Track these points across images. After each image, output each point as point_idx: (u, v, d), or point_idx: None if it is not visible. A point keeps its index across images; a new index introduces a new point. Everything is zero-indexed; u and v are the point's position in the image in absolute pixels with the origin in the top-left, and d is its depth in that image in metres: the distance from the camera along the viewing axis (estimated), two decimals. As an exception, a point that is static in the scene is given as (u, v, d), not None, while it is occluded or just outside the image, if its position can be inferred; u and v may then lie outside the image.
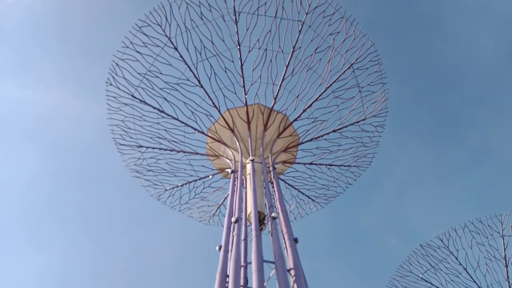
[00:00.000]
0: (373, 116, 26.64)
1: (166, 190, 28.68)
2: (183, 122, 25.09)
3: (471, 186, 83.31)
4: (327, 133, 26.58)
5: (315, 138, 26.59)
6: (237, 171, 22.63)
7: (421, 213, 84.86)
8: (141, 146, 26.37)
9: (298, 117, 25.56)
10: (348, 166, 28.77)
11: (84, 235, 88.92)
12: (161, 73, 23.88)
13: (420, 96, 78.59)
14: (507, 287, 31.51)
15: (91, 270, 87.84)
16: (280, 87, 24.46)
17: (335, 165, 28.47)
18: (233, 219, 17.72)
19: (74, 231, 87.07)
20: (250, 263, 15.38)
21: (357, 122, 26.55)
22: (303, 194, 30.10)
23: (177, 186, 28.48)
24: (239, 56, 23.58)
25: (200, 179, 27.82)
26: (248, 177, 22.22)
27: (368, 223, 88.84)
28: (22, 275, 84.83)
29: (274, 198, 21.07)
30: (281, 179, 27.54)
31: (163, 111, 24.91)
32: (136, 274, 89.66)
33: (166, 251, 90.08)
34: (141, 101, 24.68)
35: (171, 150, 26.41)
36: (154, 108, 24.90)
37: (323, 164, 28.25)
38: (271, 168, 23.52)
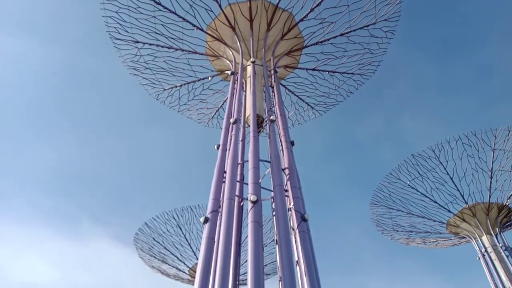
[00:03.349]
0: (384, 20, 24.89)
1: (164, 89, 28.27)
2: (180, 17, 23.43)
3: (472, 103, 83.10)
4: (334, 37, 25.14)
5: (321, 42, 25.24)
6: (237, 73, 21.98)
7: (418, 128, 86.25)
8: (137, 42, 25.09)
9: (305, 17, 23.83)
10: (352, 73, 27.96)
11: (86, 135, 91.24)
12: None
13: (433, 6, 73.22)
14: (488, 196, 33.59)
15: (93, 167, 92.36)
16: (287, -19, 22.31)
17: (338, 72, 27.64)
18: (231, 120, 17.78)
19: (74, 131, 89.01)
20: (247, 161, 15.90)
21: (367, 26, 24.91)
22: (302, 101, 29.84)
23: (176, 87, 27.99)
24: None
25: (199, 80, 27.20)
26: (248, 80, 21.67)
27: (363, 135, 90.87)
28: (35, 169, 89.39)
29: (273, 102, 20.88)
30: (281, 85, 26.98)
31: (159, 3, 23.05)
32: (137, 172, 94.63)
33: (167, 151, 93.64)
34: (135, -10, 22.67)
35: (169, 48, 25.22)
36: (150, -1, 22.98)
37: (326, 71, 27.40)
38: (272, 72, 22.83)
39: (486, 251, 32.94)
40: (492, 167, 32.88)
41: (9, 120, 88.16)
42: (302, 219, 13.65)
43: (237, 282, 14.29)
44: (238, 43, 23.16)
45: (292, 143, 17.63)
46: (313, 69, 27.10)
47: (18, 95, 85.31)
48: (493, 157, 32.61)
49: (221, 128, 18.36)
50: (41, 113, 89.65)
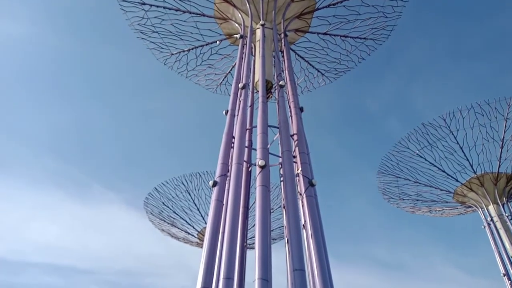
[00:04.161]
0: (401, -19, 23.74)
1: (172, 54, 27.82)
2: (188, -23, 22.63)
3: (486, 71, 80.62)
4: (347, -1, 24.16)
5: (333, 4, 24.30)
6: (246, 36, 21.45)
7: (429, 97, 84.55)
8: (144, 4, 24.42)
9: (317, -23, 22.85)
10: (364, 38, 27.08)
11: (94, 99, 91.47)
12: None
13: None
14: (497, 166, 33.32)
15: (102, 130, 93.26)
16: None
17: (351, 37, 26.79)
18: (240, 85, 17.54)
19: (83, 94, 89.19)
20: (255, 127, 15.82)
21: (382, -13, 23.83)
22: (313, 67, 29.21)
23: (184, 51, 27.50)
24: None
25: (207, 44, 26.63)
26: (257, 44, 21.16)
27: (373, 104, 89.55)
28: (46, 133, 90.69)
29: (283, 67, 20.47)
30: (291, 49, 26.31)
31: (166, -37, 22.23)
32: (146, 136, 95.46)
33: (174, 116, 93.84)
34: None
35: (176, 10, 24.54)
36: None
37: (338, 35, 26.57)
38: (282, 35, 22.21)
39: (491, 220, 33.13)
40: (503, 137, 32.37)
41: (22, 85, 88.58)
42: (310, 184, 13.73)
43: (244, 245, 14.68)
44: (247, 4, 22.40)
45: (301, 109, 17.43)
46: (325, 34, 26.29)
47: (30, 58, 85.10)
48: (505, 127, 32.01)
49: (230, 95, 18.18)
50: (53, 77, 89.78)
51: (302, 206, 13.61)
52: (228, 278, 9.75)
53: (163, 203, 41.00)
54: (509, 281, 30.20)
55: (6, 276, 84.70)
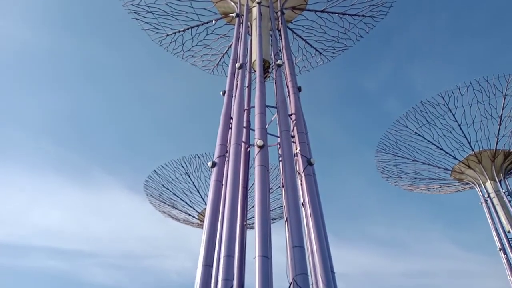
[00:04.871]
0: (400, -45, 23.15)
1: (167, 35, 27.38)
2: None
3: (486, 49, 79.87)
4: (345, -25, 23.64)
5: (330, -19, 23.79)
6: (242, 15, 21.09)
7: (428, 76, 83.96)
8: (137, -17, 23.88)
9: (314, -48, 22.27)
10: (363, 16, 26.64)
11: (90, 83, 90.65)
12: None
13: None
14: (495, 143, 33.45)
15: (99, 115, 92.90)
16: None
17: (349, 14, 26.35)
18: (237, 65, 17.37)
19: (79, 77, 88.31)
20: (253, 107, 15.76)
21: (380, -39, 23.27)
22: (310, 46, 28.83)
23: (179, 31, 27.05)
24: None
25: (202, 24, 26.18)
26: (254, 22, 20.82)
27: (371, 84, 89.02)
28: (44, 118, 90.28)
29: (280, 46, 20.22)
30: (288, 28, 25.90)
31: None
32: (143, 119, 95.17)
33: (171, 99, 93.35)
34: None
35: (171, -11, 24.01)
36: None
37: (336, 13, 26.12)
38: (279, 13, 21.83)
39: (489, 196, 33.51)
40: (502, 114, 32.35)
41: (19, 69, 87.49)
42: (308, 163, 13.80)
43: (244, 224, 14.86)
44: (243, -18, 21.91)
45: (299, 89, 17.34)
46: (322, 11, 25.83)
47: (24, 43, 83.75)
48: (503, 103, 31.95)
49: (227, 76, 18.01)
50: (51, 62, 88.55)
51: (301, 185, 13.72)
52: (229, 256, 9.92)
53: (163, 185, 41.23)
54: (505, 255, 30.85)
55: (11, 259, 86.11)
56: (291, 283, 9.81)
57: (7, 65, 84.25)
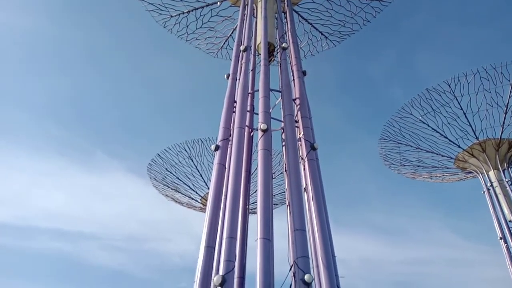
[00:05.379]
0: None
1: (172, 16, 27.01)
2: None
3: (494, 37, 78.45)
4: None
5: (338, -38, 23.24)
6: (248, -3, 20.70)
7: (434, 64, 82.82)
8: (141, -37, 23.45)
9: None
10: (370, -1, 26.14)
11: (91, 66, 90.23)
12: None
13: None
14: (500, 132, 33.16)
15: (101, 98, 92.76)
16: None
17: (356, -2, 25.87)
18: (241, 48, 17.17)
19: (81, 61, 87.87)
20: (257, 91, 15.64)
21: None
22: (316, 29, 28.41)
23: (183, 13, 26.68)
24: None
25: (207, 5, 25.78)
26: (259, 4, 20.47)
27: (376, 71, 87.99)
28: (47, 100, 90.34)
29: (285, 29, 19.93)
30: (294, 11, 25.47)
31: None
32: (146, 103, 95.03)
33: (175, 83, 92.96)
34: None
35: (175, -31, 23.57)
36: None
37: (342, -4, 25.63)
38: (285, -4, 21.41)
39: (491, 185, 33.42)
40: (508, 102, 31.95)
41: (22, 51, 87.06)
42: (312, 147, 13.76)
43: (247, 207, 14.94)
44: (249, -37, 21.44)
45: (304, 73, 17.15)
46: (329, -6, 25.35)
47: (26, 26, 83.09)
48: (510, 92, 31.52)
49: (231, 59, 17.82)
50: (54, 46, 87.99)
51: (304, 169, 13.71)
52: (231, 238, 9.99)
53: (166, 169, 41.43)
54: (505, 244, 30.96)
55: (15, 241, 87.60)
56: (292, 265, 9.90)
57: (6, 46, 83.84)
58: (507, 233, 30.97)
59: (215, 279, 8.96)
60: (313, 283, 9.44)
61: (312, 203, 12.12)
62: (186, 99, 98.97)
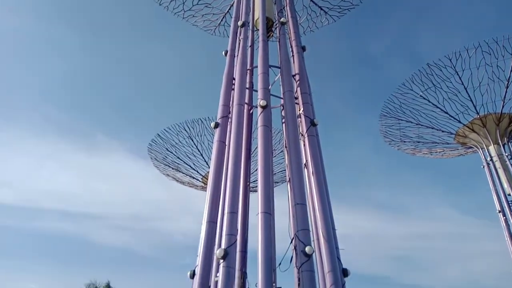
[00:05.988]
0: None
1: (167, -7, 26.42)
2: None
3: (497, 12, 76.84)
4: None
5: None
6: (245, -30, 20.14)
7: (436, 38, 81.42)
8: None
9: None
10: (370, -28, 25.43)
11: (86, 47, 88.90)
12: None
13: None
14: (501, 105, 32.98)
15: (98, 79, 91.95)
16: None
17: (356, -30, 25.18)
18: (239, 23, 16.88)
19: (75, 42, 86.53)
20: (256, 67, 15.47)
21: None
22: (315, 4, 27.82)
23: (179, -11, 26.09)
24: None
25: (204, -19, 25.18)
26: (257, -22, 19.94)
27: (377, 48, 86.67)
28: (46, 82, 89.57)
29: (284, 4, 19.50)
30: (293, -15, 24.86)
31: None
32: (144, 83, 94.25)
33: (172, 62, 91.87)
34: None
35: None
36: None
37: (342, -32, 24.95)
38: (283, -31, 20.82)
39: (491, 160, 33.54)
40: (509, 76, 31.61)
41: (20, 34, 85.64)
42: (312, 123, 13.74)
43: (247, 184, 15.07)
44: None
45: (303, 48, 16.90)
46: (328, -33, 24.67)
47: (27, 10, 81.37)
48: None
49: (229, 36, 17.52)
50: (51, 26, 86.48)
51: (304, 146, 13.73)
52: (232, 213, 10.13)
53: (166, 149, 41.51)
54: (504, 217, 31.36)
55: (21, 221, 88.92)
56: (293, 238, 10.07)
57: (7, 35, 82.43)
58: (506, 206, 31.32)
59: (218, 252, 9.13)
60: (313, 255, 9.63)
61: (312, 178, 12.21)
62: (185, 79, 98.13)
